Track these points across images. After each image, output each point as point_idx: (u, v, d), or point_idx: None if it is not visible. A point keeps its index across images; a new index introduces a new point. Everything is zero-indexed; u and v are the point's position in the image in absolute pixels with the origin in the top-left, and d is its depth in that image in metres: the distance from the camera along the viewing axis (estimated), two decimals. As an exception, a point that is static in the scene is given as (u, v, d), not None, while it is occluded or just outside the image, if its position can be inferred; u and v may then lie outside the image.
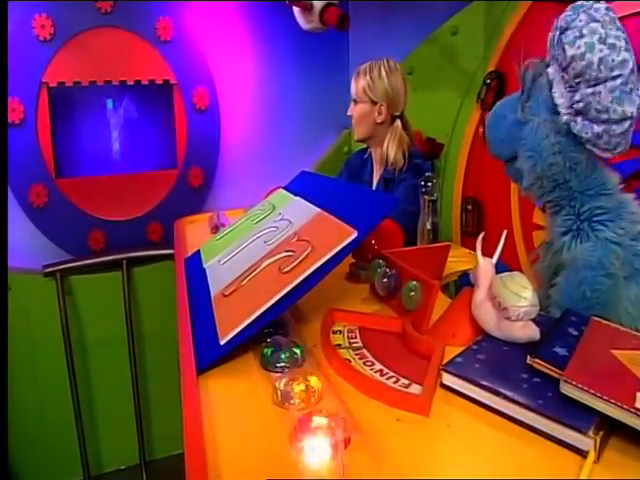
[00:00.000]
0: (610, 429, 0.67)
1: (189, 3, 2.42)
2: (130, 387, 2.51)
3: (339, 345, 0.96)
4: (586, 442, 0.64)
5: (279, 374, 0.85)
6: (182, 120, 2.49)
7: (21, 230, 2.25)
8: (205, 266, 1.28)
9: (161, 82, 2.43)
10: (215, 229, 1.72)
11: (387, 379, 0.84)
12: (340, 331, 1.01)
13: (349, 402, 0.77)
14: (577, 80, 0.93)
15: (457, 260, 1.50)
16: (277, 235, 1.14)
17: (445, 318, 1.01)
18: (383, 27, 2.59)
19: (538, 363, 0.75)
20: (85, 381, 2.45)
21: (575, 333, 0.85)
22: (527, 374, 0.77)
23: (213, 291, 1.10)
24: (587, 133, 0.95)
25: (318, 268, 0.93)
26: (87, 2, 2.22)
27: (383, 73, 1.84)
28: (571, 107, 0.96)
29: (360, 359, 0.91)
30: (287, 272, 0.95)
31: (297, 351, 0.90)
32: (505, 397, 0.73)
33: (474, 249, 1.00)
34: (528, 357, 0.77)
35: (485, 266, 0.96)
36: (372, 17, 2.56)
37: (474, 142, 2.37)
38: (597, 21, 0.91)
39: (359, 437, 0.68)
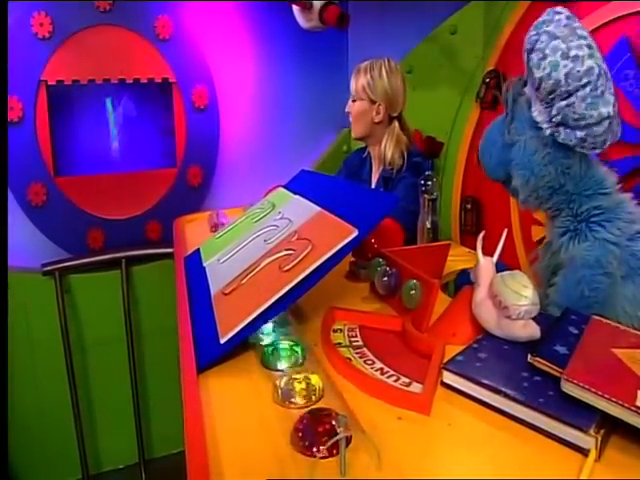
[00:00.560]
0: (611, 427, 0.67)
1: (188, 2, 2.41)
2: (129, 386, 2.51)
3: (339, 344, 0.96)
4: (587, 440, 0.64)
5: (280, 373, 0.85)
6: (181, 119, 2.48)
7: (20, 229, 2.24)
8: (205, 265, 1.28)
9: (160, 81, 2.42)
10: (214, 228, 1.72)
11: (388, 378, 0.84)
12: (340, 330, 1.01)
13: (350, 401, 0.77)
14: (551, 96, 0.97)
15: (457, 259, 1.50)
16: (277, 234, 1.14)
17: (445, 317, 1.01)
18: (382, 26, 2.59)
19: (539, 362, 0.75)
20: (84, 380, 2.45)
21: (575, 332, 0.85)
22: (528, 373, 0.77)
23: (213, 290, 1.10)
24: (571, 140, 0.98)
25: (318, 267, 0.93)
26: (86, 0, 2.21)
27: (384, 73, 1.83)
28: (551, 121, 0.99)
29: (360, 358, 0.91)
30: (287, 271, 0.95)
31: (298, 350, 0.90)
32: (506, 395, 0.73)
33: (473, 248, 1.00)
34: (529, 356, 0.77)
35: (486, 265, 0.96)
36: (371, 16, 2.55)
37: (473, 141, 2.37)
38: (557, 38, 0.95)
39: (360, 436, 0.68)
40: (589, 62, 0.93)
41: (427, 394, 0.77)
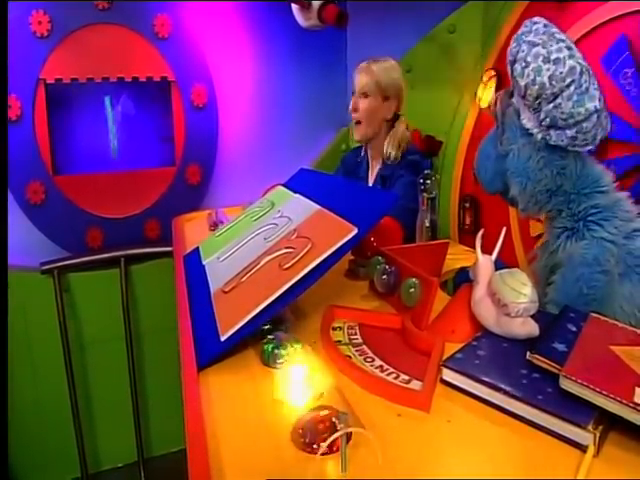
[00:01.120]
0: (609, 424, 0.68)
1: (187, 1, 2.41)
2: (128, 385, 2.51)
3: (339, 341, 0.96)
4: (586, 437, 0.65)
5: (280, 370, 0.85)
6: (180, 117, 2.49)
7: (18, 227, 2.24)
8: (204, 263, 1.28)
9: (159, 79, 2.42)
10: (214, 226, 1.72)
11: (387, 375, 0.84)
12: (340, 327, 1.01)
13: (350, 398, 0.77)
14: (537, 101, 0.99)
15: (455, 257, 1.50)
16: (277, 232, 1.15)
17: (445, 314, 1.02)
18: (381, 25, 2.59)
19: (538, 359, 0.76)
20: (83, 378, 2.45)
21: (574, 329, 0.85)
22: (527, 370, 0.77)
23: (213, 288, 1.10)
24: (563, 140, 1.00)
25: (318, 265, 0.93)
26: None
27: (393, 70, 1.84)
28: (541, 125, 1.01)
29: (360, 355, 0.91)
30: (287, 269, 0.96)
31: (297, 347, 0.90)
32: (505, 392, 0.73)
33: (472, 247, 1.01)
34: (528, 353, 0.77)
35: (484, 263, 0.96)
36: (370, 15, 2.56)
37: (472, 140, 2.38)
38: (537, 45, 0.98)
39: (360, 432, 0.68)
40: (570, 62, 0.95)
41: (427, 391, 0.77)
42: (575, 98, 0.95)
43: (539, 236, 1.96)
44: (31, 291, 2.30)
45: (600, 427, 0.65)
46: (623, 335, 0.84)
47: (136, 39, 2.35)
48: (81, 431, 2.42)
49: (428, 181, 1.52)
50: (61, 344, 2.33)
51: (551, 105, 0.97)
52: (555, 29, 1.00)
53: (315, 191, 1.29)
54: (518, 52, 0.99)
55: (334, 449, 0.66)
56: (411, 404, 0.76)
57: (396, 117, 1.88)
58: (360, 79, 1.84)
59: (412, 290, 1.05)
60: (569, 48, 0.97)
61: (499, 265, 0.97)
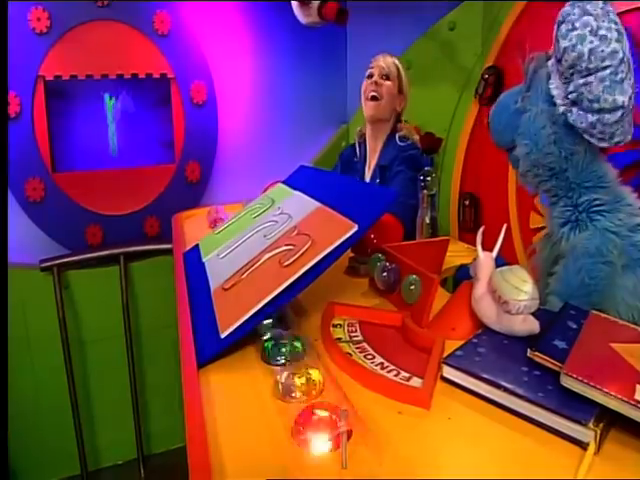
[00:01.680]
0: (610, 421, 0.67)
1: (186, -3, 2.41)
2: (127, 382, 2.50)
3: (339, 339, 0.96)
4: (586, 434, 0.65)
5: (280, 368, 0.85)
6: (179, 114, 2.48)
7: (18, 225, 2.24)
8: (204, 260, 1.28)
9: (158, 76, 2.41)
10: (213, 223, 1.72)
11: (388, 372, 0.84)
12: (340, 325, 1.01)
13: (350, 395, 0.77)
14: (570, 71, 0.96)
15: (456, 254, 1.50)
16: (277, 229, 1.14)
17: (445, 312, 1.02)
18: (381, 21, 2.59)
19: (538, 356, 0.76)
20: (82, 375, 2.45)
21: (574, 326, 0.85)
22: (527, 367, 0.77)
23: (213, 285, 1.10)
24: (582, 123, 0.97)
25: (318, 262, 0.93)
26: (84, -4, 2.20)
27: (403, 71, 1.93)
28: (566, 98, 0.99)
29: (361, 352, 0.91)
30: (287, 266, 0.95)
31: (298, 345, 0.90)
32: (506, 390, 0.73)
33: (472, 244, 1.01)
34: (528, 350, 0.77)
35: (485, 260, 0.96)
36: (370, 11, 2.55)
37: (472, 137, 2.37)
38: (590, 14, 0.94)
39: (361, 430, 0.68)
40: (615, 45, 0.93)
41: (427, 388, 0.77)
42: (607, 83, 0.93)
43: (538, 229, 1.96)
44: (30, 288, 2.29)
45: (601, 424, 0.65)
46: (623, 332, 0.84)
47: (135, 36, 2.34)
48: (80, 428, 2.42)
49: (428, 178, 1.52)
50: (61, 341, 2.33)
51: (582, 81, 0.94)
52: (612, 9, 0.97)
53: (315, 188, 1.29)
54: (569, 14, 0.96)
55: (335, 446, 0.66)
56: (411, 401, 0.76)
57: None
58: (385, 60, 1.90)
59: (412, 287, 1.05)
60: (619, 32, 0.94)
61: (500, 262, 0.97)
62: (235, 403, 0.80)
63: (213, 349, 0.89)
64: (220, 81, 2.53)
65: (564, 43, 0.95)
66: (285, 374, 0.81)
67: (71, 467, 2.45)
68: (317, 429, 0.67)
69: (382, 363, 0.87)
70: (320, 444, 0.66)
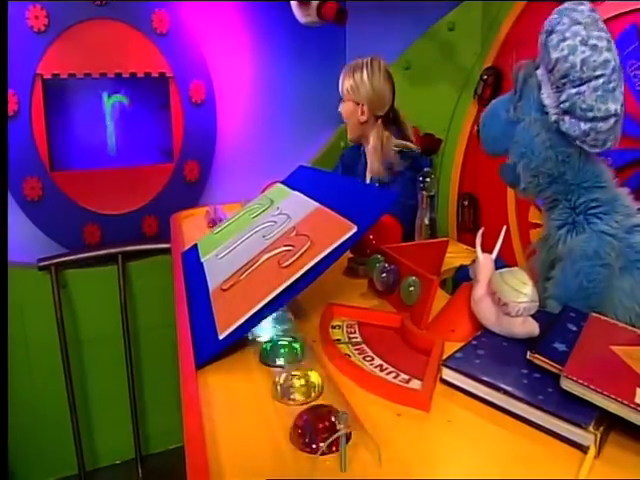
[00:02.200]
0: (610, 424, 0.67)
1: (185, -5, 2.40)
2: (125, 382, 2.50)
3: (338, 340, 0.96)
4: (586, 437, 0.65)
5: (279, 369, 0.85)
6: (178, 113, 2.47)
7: (15, 223, 2.23)
8: (202, 260, 1.27)
9: (157, 75, 2.41)
10: (212, 223, 1.72)
11: (387, 374, 0.84)
12: (339, 326, 1.01)
13: (349, 397, 0.77)
14: (563, 81, 0.96)
15: (454, 256, 1.50)
16: (275, 229, 1.14)
17: (444, 313, 1.01)
18: (380, 22, 2.58)
19: (538, 359, 0.75)
20: (80, 375, 2.44)
21: (574, 329, 0.85)
22: (527, 369, 0.77)
23: (211, 285, 1.10)
24: (575, 131, 0.98)
25: (317, 263, 0.93)
26: (82, -6, 2.20)
27: (364, 75, 1.84)
28: (558, 107, 0.99)
29: (360, 354, 0.91)
30: (286, 267, 0.95)
31: (296, 346, 0.90)
32: (505, 392, 0.73)
33: (470, 245, 1.00)
34: (528, 353, 0.77)
35: (485, 261, 0.96)
36: (369, 11, 2.55)
37: (471, 138, 2.38)
38: (579, 23, 0.95)
39: (360, 432, 0.68)
40: (607, 54, 0.93)
41: (426, 391, 0.77)
42: (600, 93, 0.94)
43: (537, 225, 1.96)
44: (28, 287, 2.29)
45: (601, 428, 0.65)
46: (623, 335, 0.84)
47: (134, 35, 2.33)
48: (78, 427, 2.41)
49: (427, 179, 1.52)
50: (58, 340, 2.32)
51: (574, 90, 0.95)
52: (599, 16, 0.98)
53: (314, 188, 1.28)
54: (558, 24, 0.96)
55: (333, 449, 0.66)
56: (411, 404, 0.76)
57: (379, 118, 1.87)
58: (340, 84, 1.92)
59: (412, 289, 1.04)
60: (608, 41, 0.95)
61: (499, 264, 0.97)
62: (233, 405, 0.79)
63: (211, 350, 0.89)
64: (219, 80, 2.53)
65: (555, 54, 0.96)
66: (284, 376, 0.80)
67: (69, 467, 2.44)
68: (316, 432, 0.67)
69: (381, 365, 0.87)
70: (319, 447, 0.65)
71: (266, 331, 0.96)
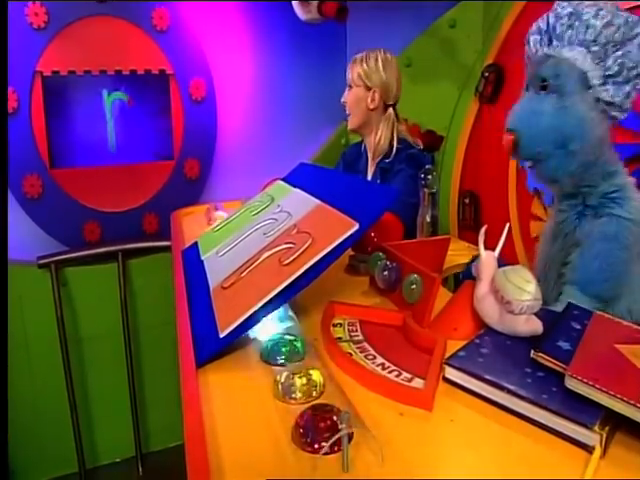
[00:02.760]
0: (615, 424, 0.66)
1: (185, -7, 2.39)
2: (126, 379, 2.50)
3: (340, 338, 0.95)
4: (592, 437, 0.64)
5: (280, 368, 0.84)
6: (178, 111, 2.47)
7: (15, 221, 2.22)
8: (203, 258, 1.27)
9: (157, 72, 2.40)
10: (212, 221, 1.71)
11: (389, 373, 0.83)
12: (341, 324, 1.00)
13: (351, 396, 0.76)
14: (606, 48, 0.99)
15: (456, 253, 1.49)
16: (276, 227, 1.13)
17: (447, 311, 1.01)
18: (381, 18, 2.58)
19: (542, 357, 0.75)
20: (80, 373, 2.44)
21: (578, 327, 0.84)
22: (531, 368, 0.76)
23: (212, 283, 1.09)
24: (618, 96, 0.99)
25: (319, 260, 0.92)
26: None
27: (379, 62, 1.84)
28: (603, 76, 1.00)
29: (361, 352, 0.90)
30: (287, 264, 0.94)
31: (298, 344, 0.89)
32: (509, 391, 0.72)
33: (472, 242, 0.99)
34: (532, 351, 0.76)
35: (487, 259, 0.95)
36: (370, 8, 2.54)
37: (472, 135, 2.37)
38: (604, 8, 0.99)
39: (362, 431, 0.67)
40: (634, 17, 0.99)
41: (429, 390, 0.76)
42: None
43: (538, 218, 1.95)
44: (28, 285, 2.29)
45: (607, 428, 0.64)
46: (628, 333, 0.83)
47: (134, 32, 2.33)
48: (79, 425, 2.41)
49: (429, 176, 1.50)
50: (58, 338, 2.32)
51: (620, 52, 0.97)
52: None
53: (315, 186, 1.27)
54: (578, 5, 1.00)
55: (335, 449, 0.65)
56: (413, 403, 0.75)
57: (388, 107, 1.87)
58: (347, 73, 1.89)
59: (414, 287, 1.03)
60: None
61: (500, 263, 0.96)
62: (234, 403, 0.79)
63: (212, 348, 0.88)
64: (219, 77, 2.52)
65: (597, 22, 0.97)
66: (285, 374, 0.80)
67: (69, 464, 2.45)
68: (317, 431, 0.66)
69: (383, 363, 0.86)
70: (320, 447, 0.65)
71: (267, 329, 0.95)
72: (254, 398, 0.79)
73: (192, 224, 1.84)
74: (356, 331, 0.98)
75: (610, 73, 0.99)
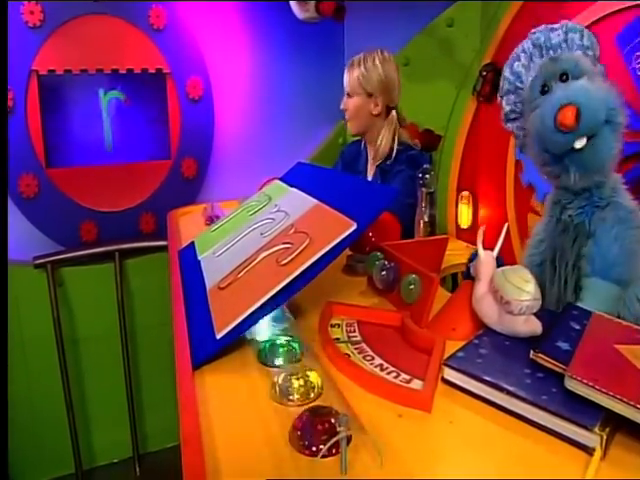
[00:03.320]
0: (616, 425, 0.66)
1: (182, -9, 2.38)
2: (123, 380, 2.49)
3: (338, 339, 0.94)
4: (592, 439, 0.63)
5: (277, 369, 0.83)
6: (175, 110, 2.46)
7: (11, 221, 2.21)
8: (200, 258, 1.26)
9: (154, 71, 2.39)
10: (209, 220, 1.70)
11: (387, 374, 0.82)
12: (338, 325, 1.00)
13: (349, 397, 0.75)
14: None
15: (454, 253, 1.48)
16: (274, 227, 1.12)
17: (445, 312, 1.00)
18: (379, 17, 2.57)
19: (542, 358, 0.74)
20: (77, 373, 2.43)
21: (577, 327, 0.84)
22: (530, 369, 0.76)
23: (209, 284, 1.08)
24: None
25: (316, 261, 0.91)
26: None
27: (377, 62, 1.80)
28: None
29: (359, 353, 0.89)
30: (285, 264, 0.93)
31: (295, 346, 0.89)
32: (508, 392, 0.72)
33: (469, 242, 0.99)
34: (531, 352, 0.76)
35: (486, 259, 0.94)
36: (368, 7, 2.53)
37: (470, 135, 2.36)
38: None
39: (360, 434, 0.66)
40: None
41: (428, 391, 0.75)
42: None
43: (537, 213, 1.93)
44: (24, 285, 2.27)
45: (607, 429, 0.64)
46: (628, 334, 0.82)
47: (131, 30, 2.32)
48: (75, 426, 2.40)
49: (427, 176, 1.50)
50: (55, 339, 2.31)
51: None
52: None
53: (313, 185, 1.27)
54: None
55: (333, 451, 0.64)
56: (412, 404, 0.74)
57: (390, 110, 1.85)
58: (345, 78, 1.85)
59: (412, 287, 1.03)
60: None
61: (499, 262, 0.95)
62: (231, 405, 0.78)
63: (208, 350, 0.87)
64: (216, 76, 2.52)
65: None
66: (282, 376, 0.79)
67: (66, 465, 2.44)
68: (315, 433, 0.65)
69: (381, 364, 0.85)
70: (318, 449, 0.64)
71: (264, 330, 0.94)
72: (251, 400, 0.78)
73: (189, 224, 1.83)
74: (354, 332, 0.97)
75: None
